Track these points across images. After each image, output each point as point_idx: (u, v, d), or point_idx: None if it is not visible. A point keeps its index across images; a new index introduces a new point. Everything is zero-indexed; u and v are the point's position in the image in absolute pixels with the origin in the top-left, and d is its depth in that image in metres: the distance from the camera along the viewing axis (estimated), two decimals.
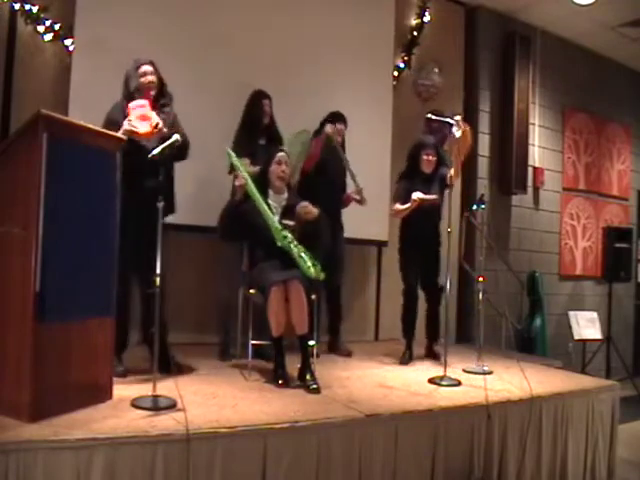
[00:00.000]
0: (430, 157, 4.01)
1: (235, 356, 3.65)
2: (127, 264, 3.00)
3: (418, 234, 4.02)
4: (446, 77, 5.44)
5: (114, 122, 3.00)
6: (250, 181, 3.28)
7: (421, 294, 4.13)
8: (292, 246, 3.22)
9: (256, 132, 3.80)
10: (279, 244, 3.23)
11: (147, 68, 3.16)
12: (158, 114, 3.09)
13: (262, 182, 3.40)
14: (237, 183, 3.30)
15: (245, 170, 3.33)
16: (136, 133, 2.94)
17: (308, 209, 3.32)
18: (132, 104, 3.02)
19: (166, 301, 3.17)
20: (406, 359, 3.98)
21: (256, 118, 3.80)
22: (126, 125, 2.93)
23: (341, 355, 4.13)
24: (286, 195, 3.48)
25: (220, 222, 3.36)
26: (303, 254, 3.21)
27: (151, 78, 3.15)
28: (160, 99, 3.20)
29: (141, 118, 2.99)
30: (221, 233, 3.39)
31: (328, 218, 3.64)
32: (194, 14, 4.13)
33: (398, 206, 3.99)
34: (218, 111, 4.00)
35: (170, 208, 3.15)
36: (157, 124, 3.00)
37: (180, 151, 3.04)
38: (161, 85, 3.22)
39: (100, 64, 3.72)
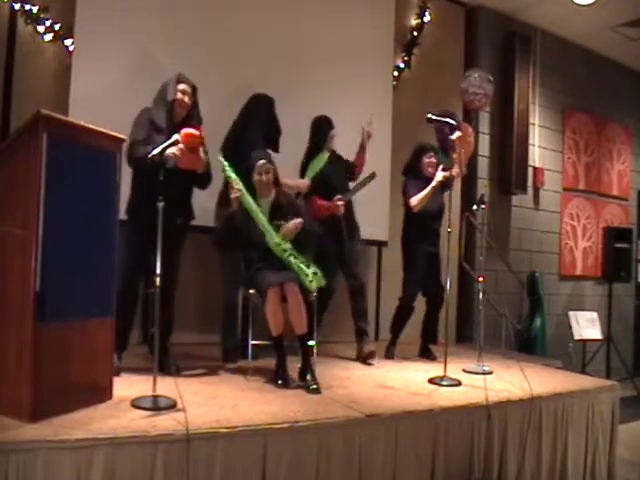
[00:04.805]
0: (433, 159, 4.07)
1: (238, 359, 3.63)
2: (138, 269, 3.06)
3: (424, 235, 4.04)
4: (446, 77, 5.44)
5: (158, 128, 3.04)
6: (245, 192, 3.24)
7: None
8: (292, 259, 3.22)
9: (273, 144, 3.80)
10: (281, 257, 3.22)
11: (186, 88, 3.16)
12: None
13: (248, 189, 3.31)
14: (232, 195, 3.24)
15: (239, 181, 3.26)
16: (179, 162, 2.93)
17: (285, 231, 3.27)
18: (185, 130, 2.91)
19: (172, 301, 3.21)
20: (391, 353, 4.12)
21: (275, 131, 3.82)
22: (175, 151, 2.87)
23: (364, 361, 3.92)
24: (274, 194, 3.41)
25: (217, 234, 3.38)
26: (302, 266, 3.21)
27: (187, 99, 3.15)
28: (189, 121, 3.17)
29: (190, 149, 2.96)
30: (217, 245, 3.44)
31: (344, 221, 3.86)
32: (194, 14, 4.12)
33: (417, 196, 3.97)
34: (219, 112, 3.99)
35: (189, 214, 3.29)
36: (203, 160, 3.11)
37: (203, 181, 3.22)
38: (192, 110, 3.21)
39: (100, 64, 3.72)
